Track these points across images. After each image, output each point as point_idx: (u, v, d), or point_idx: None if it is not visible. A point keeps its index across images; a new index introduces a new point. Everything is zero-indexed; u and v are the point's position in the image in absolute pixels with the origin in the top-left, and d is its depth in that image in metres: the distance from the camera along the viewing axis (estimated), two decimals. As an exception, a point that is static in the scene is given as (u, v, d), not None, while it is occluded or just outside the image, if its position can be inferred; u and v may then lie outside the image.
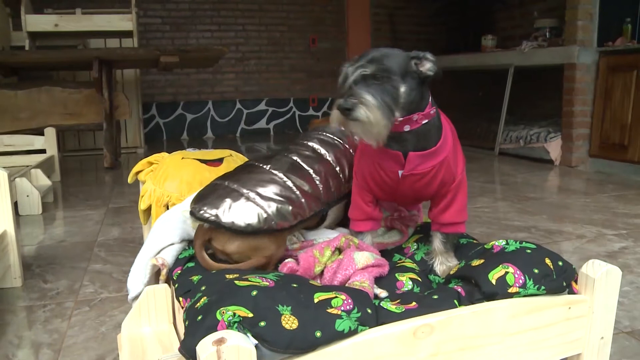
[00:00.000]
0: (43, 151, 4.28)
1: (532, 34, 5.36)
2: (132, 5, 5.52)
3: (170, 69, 5.56)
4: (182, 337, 0.96)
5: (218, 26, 6.97)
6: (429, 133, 1.23)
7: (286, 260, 1.24)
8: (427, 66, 1.16)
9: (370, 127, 1.08)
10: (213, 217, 1.22)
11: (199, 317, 0.91)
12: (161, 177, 1.73)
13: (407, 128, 1.19)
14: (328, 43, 7.42)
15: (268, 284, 0.98)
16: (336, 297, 0.96)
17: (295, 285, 0.99)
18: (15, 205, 2.61)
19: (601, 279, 1.19)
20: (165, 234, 1.37)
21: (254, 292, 0.92)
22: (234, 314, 0.88)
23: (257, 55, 7.19)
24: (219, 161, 1.87)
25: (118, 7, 6.02)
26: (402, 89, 1.13)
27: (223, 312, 0.89)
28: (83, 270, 2.21)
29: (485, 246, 1.26)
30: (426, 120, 1.21)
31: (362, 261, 1.19)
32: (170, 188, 1.68)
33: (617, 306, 1.77)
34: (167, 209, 1.64)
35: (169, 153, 1.96)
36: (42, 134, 4.33)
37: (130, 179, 1.94)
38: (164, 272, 1.34)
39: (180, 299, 1.18)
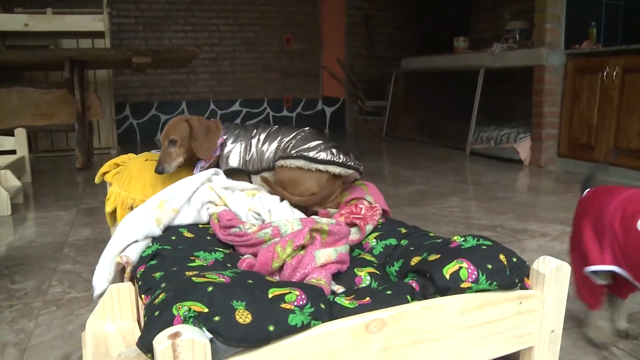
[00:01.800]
0: (13, 152, 4.24)
1: (503, 36, 5.46)
2: (104, 5, 5.48)
3: (143, 69, 5.53)
4: (142, 333, 0.98)
5: (192, 26, 6.96)
6: None
7: (245, 257, 1.26)
8: None
9: None
10: None
11: (156, 313, 0.94)
12: (125, 179, 1.76)
13: None
14: (303, 43, 7.45)
15: (224, 280, 1.00)
16: (290, 292, 1.00)
17: (250, 281, 1.02)
18: (-17, 207, 2.59)
19: (551, 274, 1.23)
20: (130, 232, 1.39)
21: (210, 288, 0.95)
22: (190, 309, 0.91)
23: (231, 55, 7.19)
24: (180, 161, 1.89)
25: (91, 7, 5.98)
26: None
27: (179, 308, 0.91)
28: (52, 271, 2.21)
29: (443, 241, 1.30)
30: None
31: (322, 259, 1.22)
32: (134, 190, 1.70)
33: (573, 301, 1.83)
34: (132, 210, 1.66)
35: (142, 154, 1.98)
36: (13, 134, 4.28)
37: (97, 180, 1.95)
38: (128, 269, 1.36)
39: (143, 296, 1.20)
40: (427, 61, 6.32)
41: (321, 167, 1.70)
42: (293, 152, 1.75)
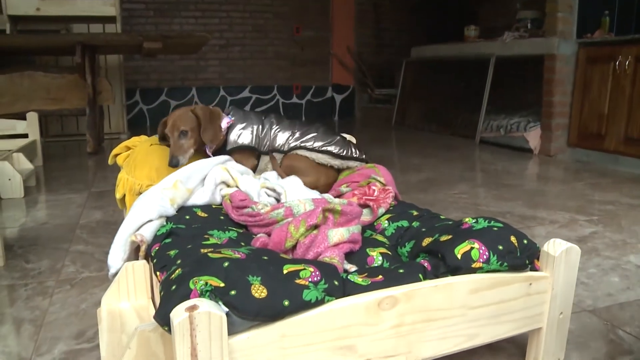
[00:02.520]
0: (25, 136, 4.27)
1: (514, 25, 5.43)
2: (116, -10, 5.49)
3: (154, 55, 5.55)
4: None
5: (202, 12, 6.96)
6: None
7: (259, 235, 1.28)
8: None
9: None
10: None
11: (173, 287, 0.96)
12: (132, 165, 1.78)
13: None
14: (312, 31, 7.44)
15: (240, 256, 1.02)
16: (305, 269, 1.01)
17: (265, 257, 1.04)
18: (-4, 188, 2.62)
19: (561, 256, 1.25)
20: (144, 211, 1.41)
21: (226, 264, 0.97)
22: (206, 284, 0.93)
23: (241, 42, 7.19)
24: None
25: (102, -8, 5.98)
26: None
27: (196, 282, 0.93)
28: (65, 251, 2.24)
29: (455, 223, 1.32)
30: None
31: (335, 238, 1.23)
32: (140, 176, 1.72)
33: (582, 286, 1.84)
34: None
35: (150, 137, 2.00)
36: (24, 118, 4.31)
37: (110, 161, 1.98)
38: (143, 248, 1.38)
39: (158, 273, 1.22)
40: (437, 50, 6.30)
41: (338, 162, 1.80)
42: (315, 144, 1.83)
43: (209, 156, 1.84)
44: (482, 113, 5.40)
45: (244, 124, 1.90)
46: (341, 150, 1.87)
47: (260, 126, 1.89)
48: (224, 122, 1.89)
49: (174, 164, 1.77)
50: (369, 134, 6.09)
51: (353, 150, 1.92)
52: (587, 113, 4.46)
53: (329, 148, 1.86)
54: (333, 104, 7.72)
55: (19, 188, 3.20)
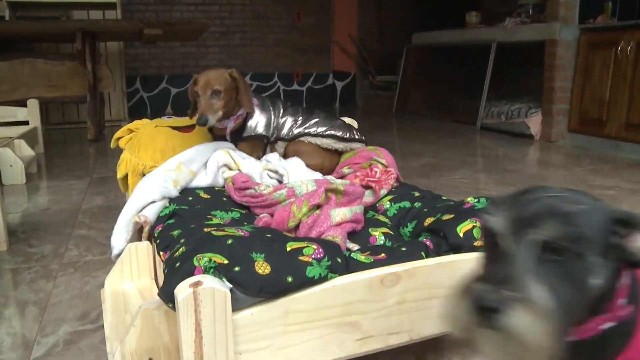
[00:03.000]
0: (26, 123, 4.26)
1: (516, 11, 5.40)
2: (115, -24, 5.47)
3: (154, 42, 5.53)
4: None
5: (202, -1, 6.93)
6: (606, 342, 0.73)
7: (261, 216, 1.28)
8: None
9: (527, 352, 0.63)
10: None
11: (177, 264, 0.96)
12: (136, 146, 1.78)
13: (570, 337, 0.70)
14: (313, 18, 7.40)
15: (243, 234, 1.03)
16: (308, 246, 1.02)
17: (269, 235, 1.04)
18: (-2, 173, 2.63)
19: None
20: (147, 193, 1.41)
21: (230, 241, 0.97)
22: (210, 260, 0.93)
23: (242, 29, 7.16)
24: (191, 127, 1.91)
25: (101, -21, 5.96)
26: (598, 279, 0.67)
27: (200, 259, 0.94)
28: (67, 236, 2.25)
29: (457, 203, 1.32)
30: (610, 324, 0.72)
31: (338, 217, 1.24)
32: (144, 157, 1.72)
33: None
34: (143, 177, 1.68)
35: (153, 120, 2.00)
36: (24, 106, 4.31)
37: (112, 145, 1.98)
38: (146, 229, 1.38)
39: (161, 253, 1.23)
40: (438, 36, 6.27)
41: (342, 145, 1.81)
42: (319, 130, 1.84)
43: (226, 138, 1.84)
44: (483, 99, 5.39)
45: (262, 112, 1.87)
46: (344, 133, 1.87)
47: (273, 115, 1.86)
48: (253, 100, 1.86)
49: (203, 122, 1.70)
50: (370, 121, 6.08)
51: (355, 132, 1.92)
52: (588, 99, 4.45)
53: (333, 132, 1.86)
54: (334, 91, 7.70)
55: (20, 174, 3.20)
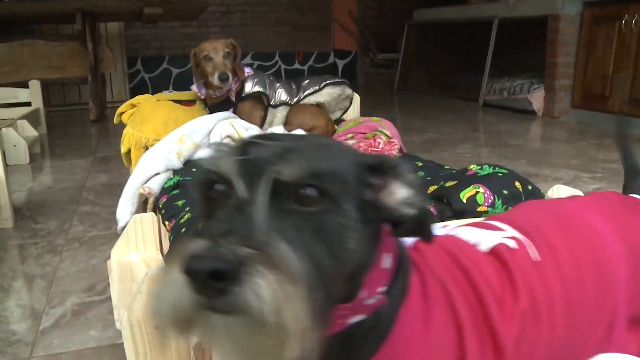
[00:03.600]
0: (28, 104, 4.26)
1: (518, -14, 5.35)
2: (114, -45, 5.42)
3: (154, 21, 5.51)
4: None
5: (202, -22, 6.87)
6: (356, 341, 0.58)
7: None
8: (401, 197, 0.57)
9: (274, 341, 0.45)
10: None
11: (183, 230, 0.97)
12: (138, 120, 1.78)
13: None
14: (313, -5, 7.35)
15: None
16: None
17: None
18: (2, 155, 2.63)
19: (565, 202, 1.26)
20: (151, 165, 1.42)
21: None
22: (216, 224, 0.94)
23: (242, 8, 7.11)
24: (192, 101, 1.92)
25: (99, -41, 5.90)
26: (353, 242, 0.53)
27: (206, 223, 0.94)
28: (72, 212, 2.26)
29: (460, 170, 1.33)
30: (359, 317, 0.57)
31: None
32: (147, 130, 1.73)
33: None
34: (146, 150, 1.69)
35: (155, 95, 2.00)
36: (26, 87, 4.30)
37: (115, 120, 1.98)
38: (150, 200, 1.39)
39: (166, 222, 1.24)
40: (439, 12, 6.22)
41: (339, 89, 1.86)
42: (315, 87, 1.90)
43: (232, 101, 1.90)
44: (485, 76, 5.36)
45: (256, 78, 1.98)
46: (336, 79, 1.96)
47: (267, 79, 1.96)
48: (247, 69, 1.98)
49: (225, 78, 1.83)
50: (371, 99, 6.06)
51: (344, 80, 2.08)
52: (591, 74, 4.42)
53: (327, 81, 1.94)
54: (335, 70, 7.67)
55: (24, 154, 3.21)
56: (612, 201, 0.83)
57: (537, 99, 4.78)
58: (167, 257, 0.47)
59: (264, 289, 0.43)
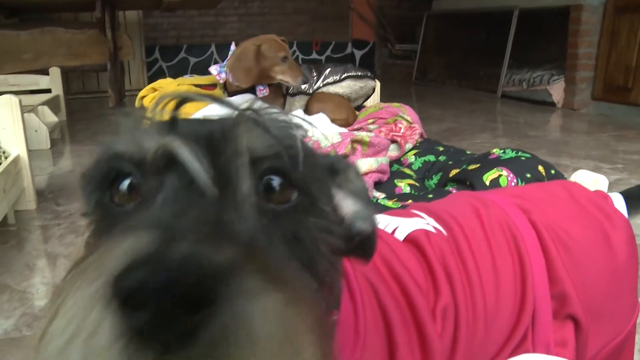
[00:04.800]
0: (48, 91, 4.31)
1: (539, -24, 5.30)
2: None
3: (173, 9, 5.52)
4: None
5: (221, -34, 6.88)
6: None
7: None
8: (351, 210, 0.49)
9: None
10: None
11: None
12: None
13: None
14: (332, -15, 7.33)
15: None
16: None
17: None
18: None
19: (588, 187, 1.25)
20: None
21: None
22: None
23: (260, -4, 7.12)
24: (212, 86, 1.93)
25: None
26: (338, 247, 0.43)
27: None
28: (93, 196, 2.28)
29: (482, 154, 1.32)
30: None
31: (364, 168, 1.25)
32: (166, 114, 1.75)
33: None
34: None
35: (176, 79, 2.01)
36: (46, 74, 4.35)
37: (137, 104, 2.00)
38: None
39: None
40: (459, 3, 6.17)
41: (360, 83, 1.84)
42: (335, 77, 1.89)
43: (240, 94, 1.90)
44: (504, 67, 5.32)
45: None
46: (357, 72, 1.96)
47: None
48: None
49: (306, 81, 1.92)
50: (389, 90, 6.03)
51: (366, 71, 2.09)
52: (613, 65, 4.36)
53: (348, 73, 1.93)
54: (353, 60, 7.64)
55: (45, 139, 3.25)
56: (549, 193, 0.79)
57: (557, 91, 4.73)
58: (73, 276, 0.29)
59: (269, 319, 0.26)
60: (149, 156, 0.36)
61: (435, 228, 0.69)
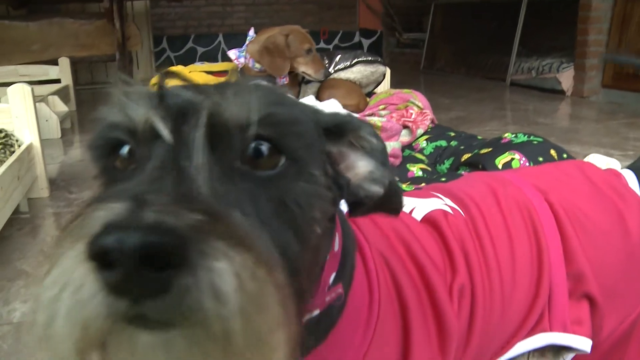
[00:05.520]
0: (58, 81, 4.33)
1: (549, -38, 5.26)
2: None
3: (181, -1, 5.52)
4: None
5: (228, -44, 6.87)
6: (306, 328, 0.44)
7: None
8: (363, 171, 0.47)
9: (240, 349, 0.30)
10: None
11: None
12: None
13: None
14: (339, -26, 7.30)
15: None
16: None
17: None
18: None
19: (602, 170, 1.25)
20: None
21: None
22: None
23: (268, -15, 7.10)
24: (224, 72, 1.94)
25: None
26: (327, 210, 0.44)
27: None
28: (105, 184, 2.30)
29: (494, 138, 1.33)
30: (315, 313, 0.49)
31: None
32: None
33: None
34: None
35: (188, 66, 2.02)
36: (55, 65, 4.36)
37: (149, 92, 2.01)
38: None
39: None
40: (467, -9, 6.15)
41: (371, 68, 1.85)
42: (346, 62, 1.90)
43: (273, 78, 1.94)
44: (513, 55, 5.29)
45: None
46: (367, 57, 1.97)
47: None
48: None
49: (328, 75, 1.94)
50: (397, 79, 6.00)
51: (376, 56, 2.11)
52: (624, 53, 4.33)
53: (358, 59, 1.94)
54: (361, 49, 7.60)
55: (55, 129, 3.27)
56: (563, 172, 0.79)
57: (566, 79, 4.71)
58: (58, 239, 0.32)
59: (231, 279, 0.28)
60: (139, 127, 0.39)
61: (452, 208, 0.69)
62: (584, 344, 0.69)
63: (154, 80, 0.43)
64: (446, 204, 0.69)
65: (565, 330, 0.69)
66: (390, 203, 0.49)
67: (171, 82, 0.44)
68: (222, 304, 0.28)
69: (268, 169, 0.38)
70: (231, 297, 0.28)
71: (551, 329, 0.69)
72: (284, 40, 1.88)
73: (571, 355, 0.71)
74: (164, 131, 0.37)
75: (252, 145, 0.38)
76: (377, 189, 0.46)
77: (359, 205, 0.48)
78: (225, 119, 0.38)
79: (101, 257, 0.28)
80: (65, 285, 0.30)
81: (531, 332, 0.69)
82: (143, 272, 0.27)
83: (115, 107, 0.41)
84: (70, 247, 0.30)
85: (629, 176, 0.80)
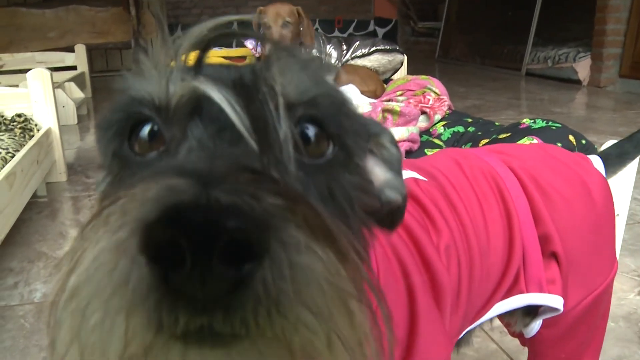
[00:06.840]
0: (74, 68, 4.35)
1: (566, -50, 5.19)
2: None
3: (196, -13, 5.51)
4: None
5: (243, -57, 6.85)
6: None
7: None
8: (382, 179, 0.46)
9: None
10: None
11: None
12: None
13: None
14: (354, -38, 7.25)
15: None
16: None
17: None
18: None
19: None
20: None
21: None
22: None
23: (282, -26, 7.07)
24: (242, 58, 1.95)
25: None
26: (372, 203, 0.44)
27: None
28: (122, 169, 2.33)
29: (512, 124, 1.32)
30: None
31: (396, 137, 1.26)
32: (198, 86, 1.78)
33: (635, 202, 1.84)
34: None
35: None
36: (71, 52, 4.39)
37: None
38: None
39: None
40: (483, -21, 6.09)
41: (388, 57, 1.83)
42: (364, 50, 1.91)
43: None
44: (529, 44, 5.25)
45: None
46: (385, 45, 1.97)
47: (321, 40, 1.99)
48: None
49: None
50: (412, 67, 5.96)
51: (394, 45, 2.10)
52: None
53: (376, 47, 1.95)
54: (375, 38, 7.59)
55: (72, 115, 3.30)
56: (529, 150, 0.82)
57: (583, 68, 4.66)
58: (93, 227, 0.25)
59: (319, 278, 0.23)
60: (173, 101, 0.32)
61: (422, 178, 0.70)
62: (558, 302, 0.69)
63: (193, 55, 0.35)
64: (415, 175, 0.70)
65: (541, 290, 0.70)
66: (394, 215, 0.47)
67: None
68: (310, 310, 0.22)
69: (317, 154, 0.34)
70: (320, 302, 0.23)
71: (527, 290, 0.70)
72: (258, 12, 1.94)
73: (538, 322, 0.72)
74: (228, 108, 0.29)
75: (302, 128, 0.33)
76: (396, 197, 0.45)
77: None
78: (289, 97, 0.32)
79: (157, 251, 0.21)
80: (100, 288, 0.22)
81: (508, 294, 0.69)
82: (216, 268, 0.20)
83: (143, 77, 0.33)
84: (110, 236, 0.23)
85: (595, 160, 0.81)
